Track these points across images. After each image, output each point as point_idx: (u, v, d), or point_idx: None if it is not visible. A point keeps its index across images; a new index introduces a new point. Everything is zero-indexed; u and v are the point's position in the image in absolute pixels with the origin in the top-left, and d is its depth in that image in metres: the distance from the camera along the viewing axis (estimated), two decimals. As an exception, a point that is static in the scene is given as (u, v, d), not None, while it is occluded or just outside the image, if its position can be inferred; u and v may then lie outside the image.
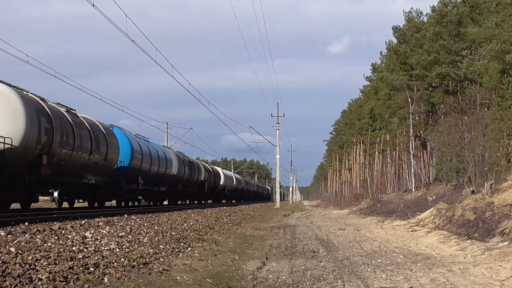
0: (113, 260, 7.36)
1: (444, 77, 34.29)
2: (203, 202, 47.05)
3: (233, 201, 64.39)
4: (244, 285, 8.08)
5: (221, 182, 53.56)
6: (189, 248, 10.33)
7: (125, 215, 16.60)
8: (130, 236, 10.18)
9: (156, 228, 12.55)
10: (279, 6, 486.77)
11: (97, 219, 13.71)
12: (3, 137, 14.52)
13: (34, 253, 6.75)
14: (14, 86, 15.85)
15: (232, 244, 12.62)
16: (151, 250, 8.95)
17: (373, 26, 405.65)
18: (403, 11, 46.93)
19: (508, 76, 23.60)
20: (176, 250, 9.74)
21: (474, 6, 32.36)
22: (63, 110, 18.70)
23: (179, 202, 42.37)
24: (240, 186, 67.33)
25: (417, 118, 38.55)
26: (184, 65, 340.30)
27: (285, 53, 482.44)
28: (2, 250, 6.74)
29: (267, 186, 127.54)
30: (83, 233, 9.64)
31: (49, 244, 7.79)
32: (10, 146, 14.64)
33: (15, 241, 7.66)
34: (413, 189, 34.84)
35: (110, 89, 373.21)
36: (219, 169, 56.07)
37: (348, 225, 22.21)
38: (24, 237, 8.28)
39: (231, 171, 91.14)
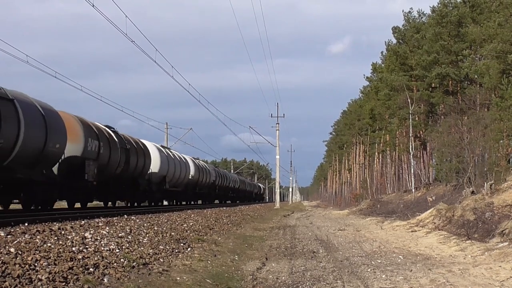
0: (113, 261, 7.36)
1: (444, 77, 34.29)
2: (88, 204, 23.30)
3: (195, 203, 43.78)
4: (244, 285, 8.08)
5: (154, 169, 29.38)
6: (188, 249, 10.33)
7: (125, 215, 16.59)
8: (129, 237, 10.18)
9: (155, 228, 12.55)
10: (279, 6, 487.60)
11: (96, 220, 13.71)
12: None
13: (34, 254, 6.75)
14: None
15: (232, 245, 12.62)
16: (151, 251, 8.95)
17: (374, 26, 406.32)
18: (403, 11, 46.97)
19: (508, 76, 23.61)
20: (176, 251, 9.74)
21: (474, 6, 32.36)
22: None
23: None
24: (205, 180, 44.18)
25: (417, 118, 38.56)
26: (184, 65, 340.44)
27: (285, 53, 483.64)
28: (2, 250, 6.73)
29: (258, 184, 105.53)
30: (82, 233, 9.64)
31: (49, 244, 7.78)
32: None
33: (15, 242, 7.66)
34: (413, 190, 34.84)
35: (110, 89, 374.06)
36: (151, 144, 30.78)
37: (348, 225, 22.21)
38: (23, 238, 8.28)
39: (231, 172, 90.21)
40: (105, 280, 6.34)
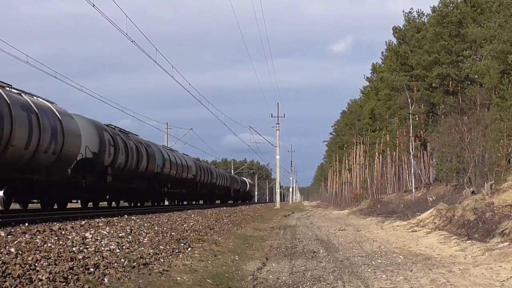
0: (113, 261, 7.36)
1: (444, 77, 34.30)
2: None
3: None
4: (244, 285, 8.08)
5: None
6: (189, 249, 10.33)
7: (125, 215, 16.60)
8: (130, 237, 10.18)
9: (156, 228, 12.55)
10: (279, 6, 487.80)
11: (97, 220, 13.71)
12: None
13: (34, 254, 6.75)
14: None
15: (232, 245, 12.62)
16: (151, 251, 8.95)
17: (375, 26, 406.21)
18: (403, 11, 46.95)
19: (509, 77, 23.62)
20: (176, 251, 9.74)
21: (475, 6, 32.37)
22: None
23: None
24: (107, 159, 21.72)
25: (417, 118, 38.56)
26: (184, 65, 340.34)
27: (285, 53, 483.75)
28: (2, 250, 6.73)
29: (244, 179, 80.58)
30: (83, 233, 9.64)
31: (49, 244, 7.78)
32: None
33: (15, 242, 7.66)
34: (413, 190, 34.82)
35: (110, 89, 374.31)
36: None
37: (348, 225, 22.22)
38: (24, 238, 8.28)
39: (231, 172, 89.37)
40: (106, 280, 6.34)
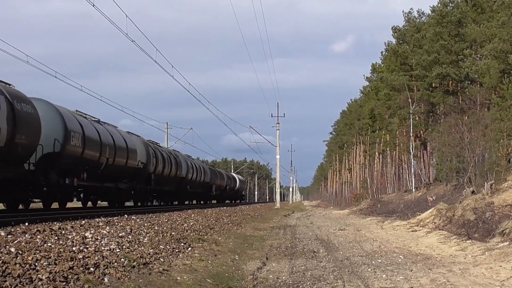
0: (113, 260, 7.36)
1: (444, 77, 34.28)
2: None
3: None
4: (244, 285, 8.08)
5: None
6: (189, 248, 10.34)
7: (125, 215, 16.59)
8: (130, 236, 10.18)
9: (156, 228, 12.55)
10: (279, 5, 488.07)
11: (97, 219, 13.71)
12: None
13: (34, 253, 6.75)
14: None
15: (232, 244, 12.62)
16: (151, 250, 8.95)
17: (376, 25, 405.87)
18: (403, 11, 46.93)
19: (509, 76, 23.62)
20: (176, 250, 9.74)
21: (475, 5, 32.35)
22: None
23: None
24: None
25: (417, 118, 38.54)
26: (184, 64, 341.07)
27: (286, 52, 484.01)
28: (2, 250, 6.73)
29: (233, 174, 66.35)
30: (83, 233, 9.64)
31: (49, 244, 7.78)
32: None
33: (15, 241, 7.66)
34: (413, 189, 34.80)
35: (110, 89, 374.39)
36: None
37: (348, 225, 22.23)
38: (24, 237, 8.28)
39: (231, 172, 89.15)
40: (106, 279, 6.34)
